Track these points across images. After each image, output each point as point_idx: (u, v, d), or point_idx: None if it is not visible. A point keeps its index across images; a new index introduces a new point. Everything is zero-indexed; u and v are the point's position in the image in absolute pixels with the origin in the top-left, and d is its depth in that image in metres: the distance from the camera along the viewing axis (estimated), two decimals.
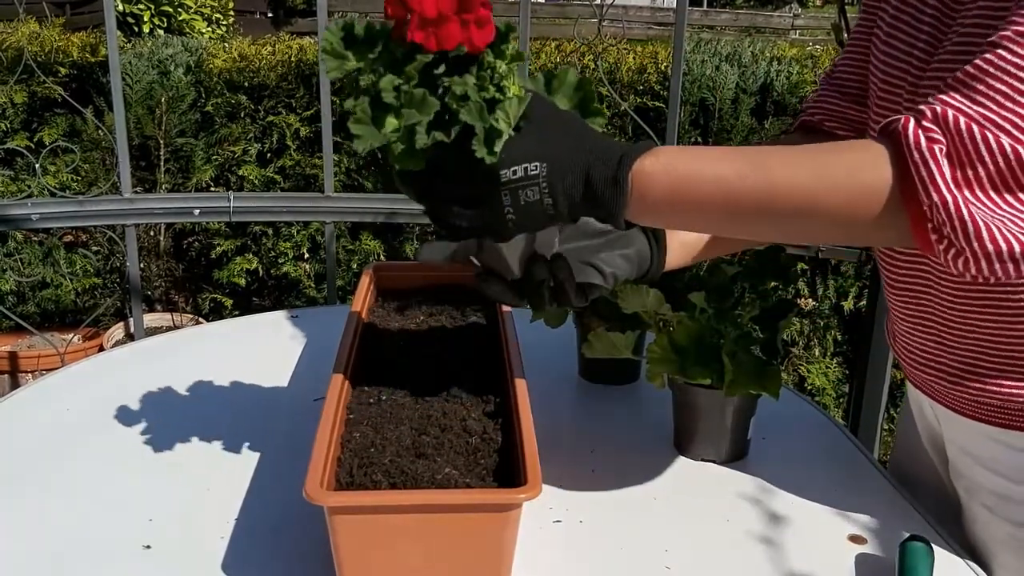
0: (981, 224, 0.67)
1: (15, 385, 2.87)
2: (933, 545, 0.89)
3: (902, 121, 0.70)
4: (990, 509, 0.95)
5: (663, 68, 2.92)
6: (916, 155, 0.68)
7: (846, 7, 1.73)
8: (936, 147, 0.68)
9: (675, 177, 0.73)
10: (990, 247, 0.67)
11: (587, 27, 3.58)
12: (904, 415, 1.16)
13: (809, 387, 2.88)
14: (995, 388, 0.91)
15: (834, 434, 1.18)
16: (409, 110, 0.69)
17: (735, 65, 2.96)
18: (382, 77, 0.69)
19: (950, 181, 0.67)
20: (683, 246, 0.93)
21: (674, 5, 1.97)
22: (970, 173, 0.68)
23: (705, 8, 10.32)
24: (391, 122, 0.70)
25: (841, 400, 2.86)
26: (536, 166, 0.71)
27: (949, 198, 0.67)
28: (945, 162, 0.68)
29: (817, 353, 2.93)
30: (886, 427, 2.64)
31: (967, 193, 0.68)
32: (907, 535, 0.90)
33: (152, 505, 0.96)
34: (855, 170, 0.71)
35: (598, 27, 2.19)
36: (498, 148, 0.70)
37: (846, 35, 1.71)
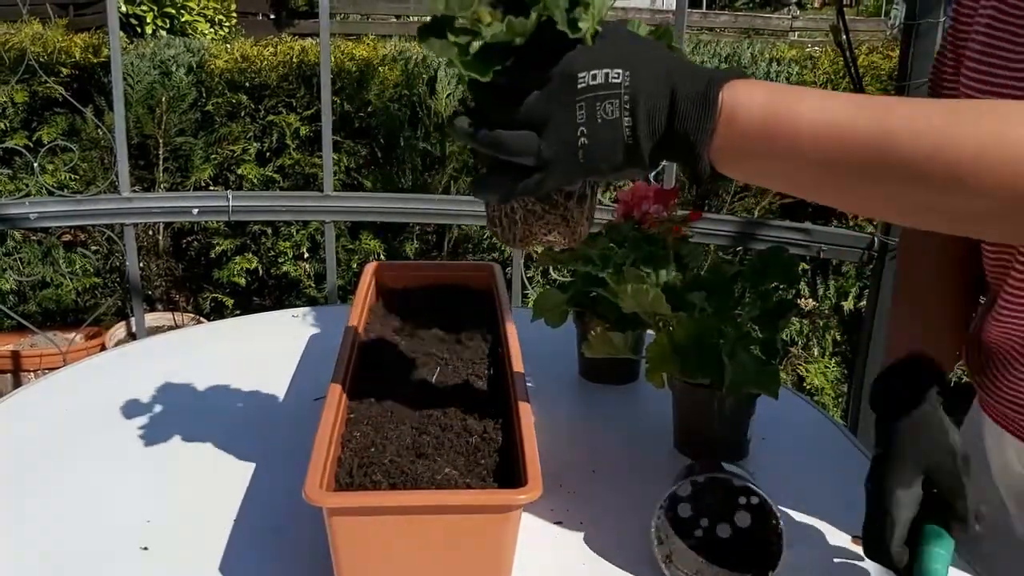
0: None
1: (17, 384, 2.87)
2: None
3: None
4: None
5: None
6: None
7: (844, 9, 1.73)
8: None
9: (772, 104, 0.62)
10: None
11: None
12: (967, 437, 1.02)
13: (808, 387, 2.88)
14: None
15: (833, 433, 1.18)
16: None
17: (735, 65, 2.96)
18: None
19: None
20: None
21: (673, 6, 1.97)
22: None
23: (704, 10, 10.31)
24: None
25: (840, 400, 2.86)
26: (619, 73, 0.62)
27: None
28: None
29: (816, 353, 2.93)
30: None
31: None
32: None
33: (152, 504, 0.96)
34: (1003, 117, 0.59)
35: None
36: (584, 25, 0.62)
37: (844, 36, 1.71)
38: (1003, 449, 0.98)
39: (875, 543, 0.81)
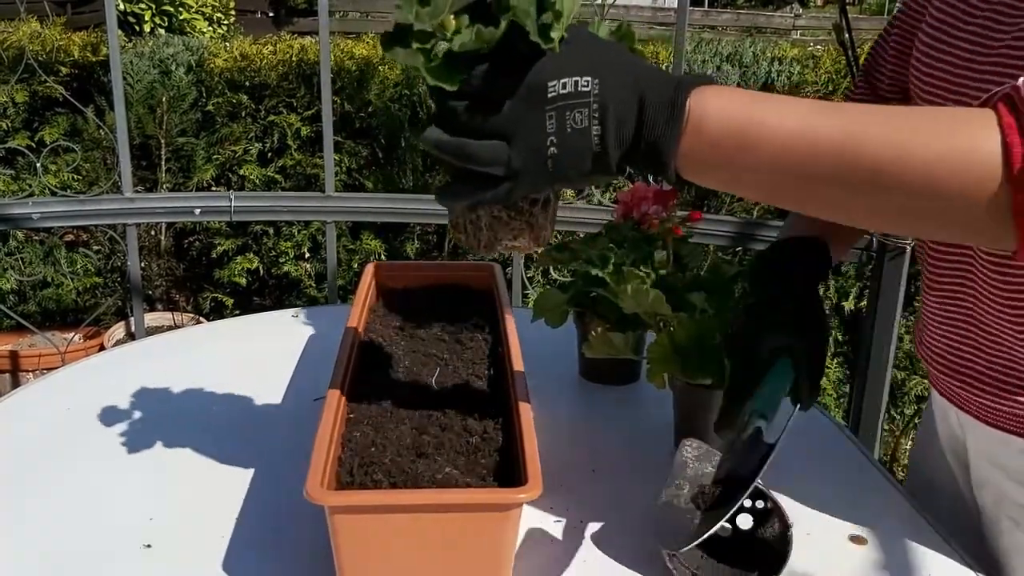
0: None
1: (16, 384, 2.87)
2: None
3: (1021, 81, 0.61)
4: (1016, 521, 0.94)
5: (664, 68, 2.92)
6: None
7: (847, 7, 1.73)
8: None
9: (740, 112, 0.63)
10: None
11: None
12: (925, 421, 1.14)
13: None
14: None
15: (834, 434, 1.18)
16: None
17: (736, 65, 2.96)
18: None
19: None
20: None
21: (675, 5, 1.96)
22: None
23: (706, 8, 10.31)
24: (428, 7, 0.61)
25: (841, 400, 2.86)
26: (588, 81, 0.62)
27: None
28: None
29: None
30: (886, 427, 2.64)
31: None
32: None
33: (153, 504, 0.96)
34: (957, 127, 0.61)
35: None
36: (555, 35, 0.61)
37: (847, 35, 1.71)
38: (946, 415, 1.04)
39: (737, 395, 0.84)
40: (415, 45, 0.62)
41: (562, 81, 0.62)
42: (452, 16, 0.62)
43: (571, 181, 0.66)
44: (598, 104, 0.62)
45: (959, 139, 0.61)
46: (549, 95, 0.62)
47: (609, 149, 0.63)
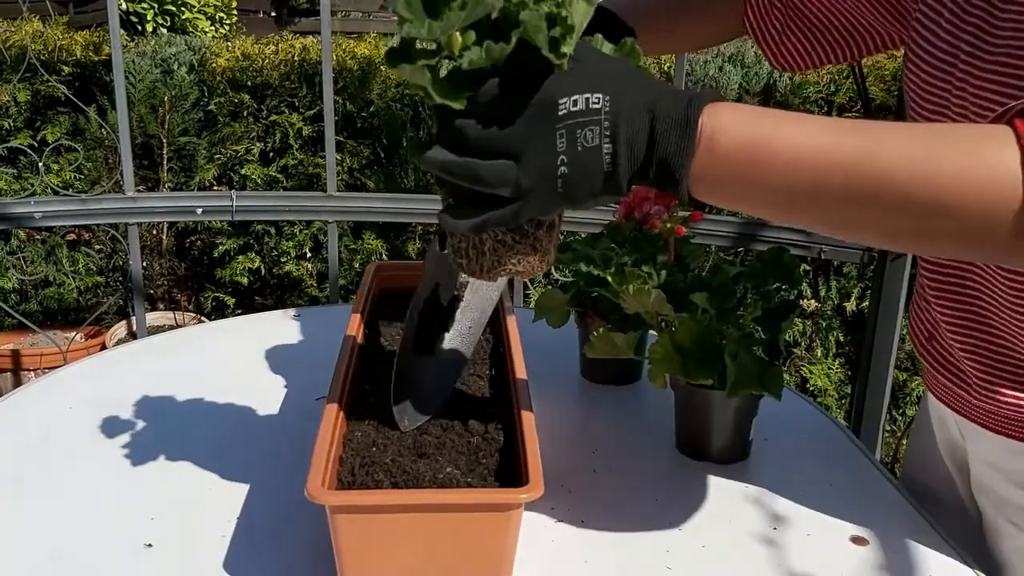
0: None
1: (17, 383, 2.87)
2: None
3: None
4: (1017, 525, 0.93)
5: (666, 69, 2.92)
6: None
7: None
8: None
9: (754, 128, 0.62)
10: None
11: None
12: (920, 426, 1.13)
13: (811, 388, 2.88)
14: None
15: (836, 435, 1.18)
16: (453, 13, 0.58)
17: (738, 66, 2.96)
18: None
19: None
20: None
21: None
22: None
23: None
24: (439, 22, 0.59)
25: (843, 401, 2.86)
26: (599, 98, 0.61)
27: None
28: None
29: (819, 354, 2.93)
30: (888, 428, 2.64)
31: None
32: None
33: (154, 503, 0.96)
34: (975, 147, 0.60)
35: None
36: (566, 49, 0.59)
37: None
38: (943, 420, 1.03)
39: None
40: (421, 62, 0.60)
41: (573, 98, 0.60)
42: (459, 32, 0.60)
43: (580, 202, 0.64)
44: (609, 122, 0.61)
45: (978, 158, 0.60)
46: (560, 113, 0.61)
47: (620, 168, 0.62)
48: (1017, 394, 0.90)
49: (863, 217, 0.63)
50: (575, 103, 0.61)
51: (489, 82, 0.60)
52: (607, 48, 0.69)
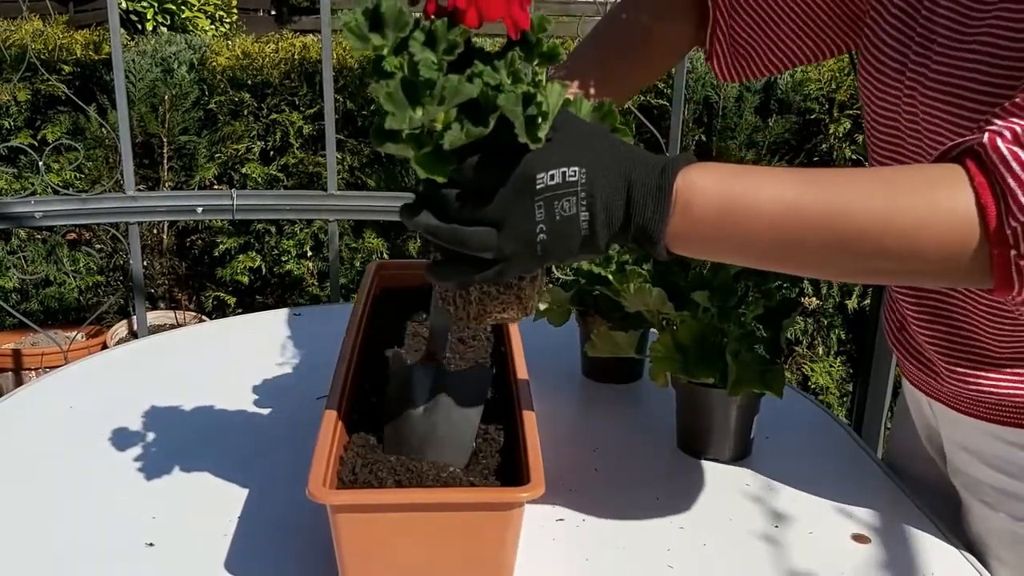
0: None
1: (19, 383, 2.87)
2: None
3: (986, 138, 0.64)
4: (990, 505, 0.95)
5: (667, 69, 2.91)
6: (1009, 176, 0.62)
7: None
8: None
9: (727, 190, 0.66)
10: None
11: (590, 25, 3.57)
12: (900, 413, 1.16)
13: (813, 386, 2.88)
14: (997, 385, 0.91)
15: (838, 433, 1.18)
16: (432, 106, 0.62)
17: None
18: (415, 55, 0.63)
19: None
20: None
21: None
22: None
23: None
24: (420, 112, 0.63)
25: (845, 399, 2.86)
26: (575, 171, 0.65)
27: None
28: None
29: (821, 352, 2.93)
30: (889, 426, 2.63)
31: None
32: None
33: (155, 503, 0.96)
34: (934, 192, 0.65)
35: None
36: (542, 134, 0.64)
37: None
38: (919, 406, 1.06)
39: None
40: (406, 142, 0.64)
41: (550, 173, 0.65)
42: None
43: (561, 261, 0.69)
44: (586, 192, 0.65)
45: (937, 204, 0.64)
46: (538, 187, 0.65)
47: (598, 233, 0.67)
48: (979, 374, 0.92)
49: (839, 264, 0.68)
50: (552, 177, 0.65)
51: (469, 159, 0.65)
52: (586, 108, 0.72)
